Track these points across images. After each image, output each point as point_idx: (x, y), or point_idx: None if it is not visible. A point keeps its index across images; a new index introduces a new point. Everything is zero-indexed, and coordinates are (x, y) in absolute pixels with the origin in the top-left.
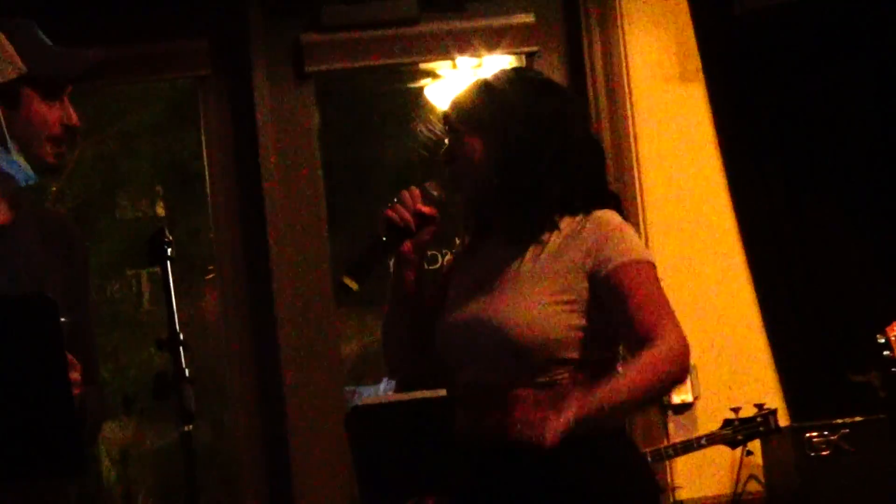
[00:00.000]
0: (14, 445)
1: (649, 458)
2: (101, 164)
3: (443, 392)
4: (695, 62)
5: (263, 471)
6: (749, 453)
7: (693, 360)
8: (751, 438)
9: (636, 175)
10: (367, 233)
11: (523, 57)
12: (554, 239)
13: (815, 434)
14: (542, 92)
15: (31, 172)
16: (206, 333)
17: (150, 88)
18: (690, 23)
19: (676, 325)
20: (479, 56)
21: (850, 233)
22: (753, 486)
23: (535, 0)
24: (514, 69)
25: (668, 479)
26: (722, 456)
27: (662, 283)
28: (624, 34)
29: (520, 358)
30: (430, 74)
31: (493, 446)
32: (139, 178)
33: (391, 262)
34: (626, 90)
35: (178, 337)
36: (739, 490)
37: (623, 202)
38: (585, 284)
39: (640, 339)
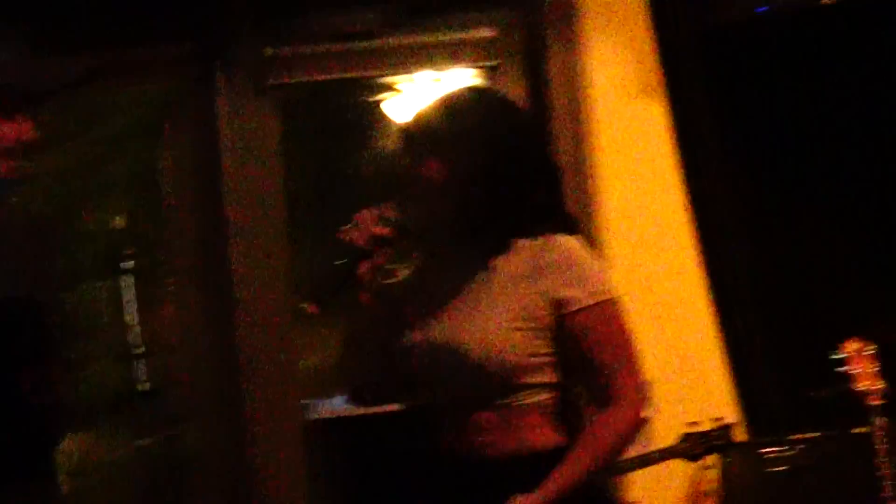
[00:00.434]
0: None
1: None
2: (65, 175)
3: (399, 406)
4: (656, 77)
5: (222, 483)
6: (707, 467)
7: (649, 376)
8: (709, 452)
9: (595, 190)
10: (325, 256)
11: (484, 71)
12: (512, 261)
13: (772, 450)
14: (502, 113)
15: None
16: (165, 346)
17: (114, 100)
18: (652, 38)
19: (637, 378)
20: (439, 70)
21: (808, 250)
22: (711, 501)
23: (496, 14)
24: (474, 88)
25: (626, 494)
26: (680, 470)
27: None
28: (585, 49)
29: (478, 380)
30: (391, 88)
31: (449, 465)
32: (102, 190)
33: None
34: (587, 105)
35: (137, 349)
36: None
37: (582, 217)
38: (549, 312)
39: (601, 390)
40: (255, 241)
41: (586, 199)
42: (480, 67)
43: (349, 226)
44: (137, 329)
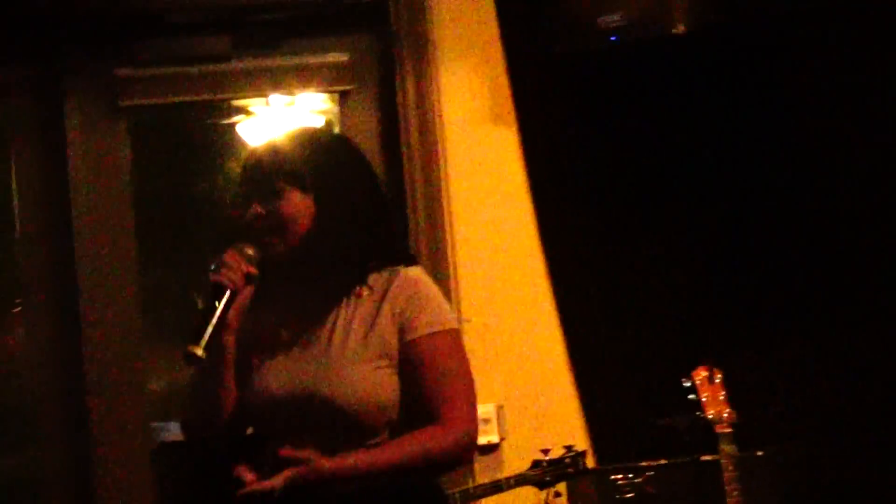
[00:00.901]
0: None
1: (458, 500)
2: None
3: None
4: (508, 104)
5: None
6: (557, 495)
7: (500, 401)
8: (560, 480)
9: (447, 217)
10: (195, 300)
11: (336, 96)
12: (365, 298)
13: (619, 476)
14: (350, 149)
15: None
16: (12, 367)
17: None
18: (505, 66)
19: (471, 408)
20: (292, 94)
21: (658, 280)
22: None
23: (349, 39)
24: (318, 126)
25: None
26: (529, 497)
27: (472, 325)
28: (438, 75)
29: (354, 427)
30: (244, 111)
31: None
32: None
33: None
34: (439, 130)
35: None
36: None
37: (434, 244)
38: (397, 345)
39: (430, 412)
40: (104, 264)
41: (438, 226)
42: (333, 92)
43: (216, 266)
44: None
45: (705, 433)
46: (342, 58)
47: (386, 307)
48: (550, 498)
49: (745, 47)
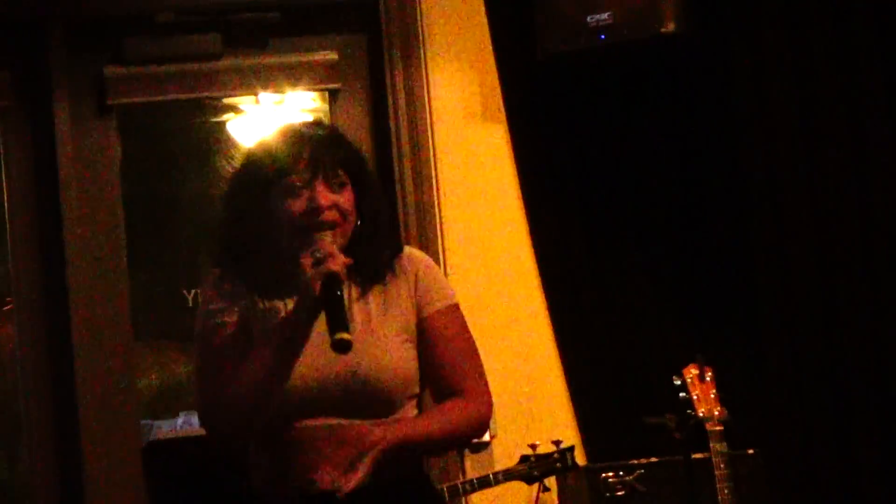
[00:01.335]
0: None
1: (446, 495)
2: None
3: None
4: (497, 102)
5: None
6: (546, 489)
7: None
8: (547, 475)
9: (437, 214)
10: (322, 290)
11: (326, 94)
12: (388, 280)
13: (610, 474)
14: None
15: None
16: (2, 365)
17: None
18: (494, 63)
19: (486, 383)
20: (281, 92)
21: (647, 276)
22: None
23: (339, 37)
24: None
25: None
26: (518, 492)
27: None
28: (427, 73)
29: (388, 402)
30: (233, 109)
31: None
32: None
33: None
34: (429, 129)
35: None
36: None
37: (425, 240)
38: (414, 321)
39: (451, 388)
40: (94, 262)
41: (428, 223)
42: (322, 90)
43: (320, 257)
44: None
45: (696, 431)
46: (332, 56)
47: (403, 286)
48: (539, 493)
49: (735, 47)
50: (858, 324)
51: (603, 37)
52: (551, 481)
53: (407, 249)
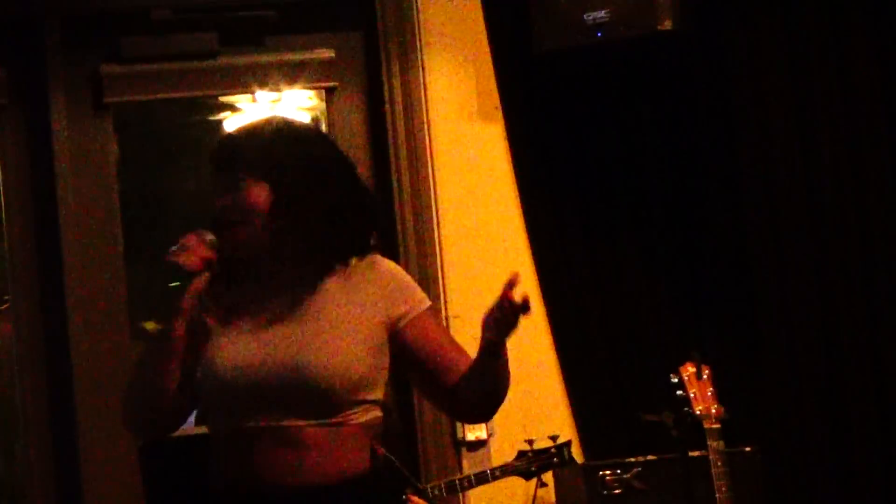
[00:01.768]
0: None
1: (444, 491)
2: None
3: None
4: (495, 101)
5: (55, 503)
6: (543, 485)
7: None
8: (545, 470)
9: (434, 213)
10: (161, 275)
11: (323, 92)
12: (342, 282)
13: (607, 472)
14: (313, 139)
15: None
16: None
17: None
18: (491, 61)
19: None
20: (278, 90)
21: (644, 274)
22: None
23: (336, 36)
24: (284, 119)
25: None
26: (516, 488)
27: (460, 321)
28: (424, 72)
29: (323, 400)
30: (230, 107)
31: (278, 490)
32: None
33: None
34: (426, 127)
35: None
36: None
37: (422, 238)
38: (383, 330)
39: (449, 380)
40: (91, 260)
41: (425, 222)
42: (319, 88)
43: (176, 248)
44: None
45: (693, 429)
46: (329, 54)
47: (370, 292)
48: (537, 488)
49: (732, 44)
50: (856, 320)
51: (600, 34)
52: (548, 477)
53: (378, 258)
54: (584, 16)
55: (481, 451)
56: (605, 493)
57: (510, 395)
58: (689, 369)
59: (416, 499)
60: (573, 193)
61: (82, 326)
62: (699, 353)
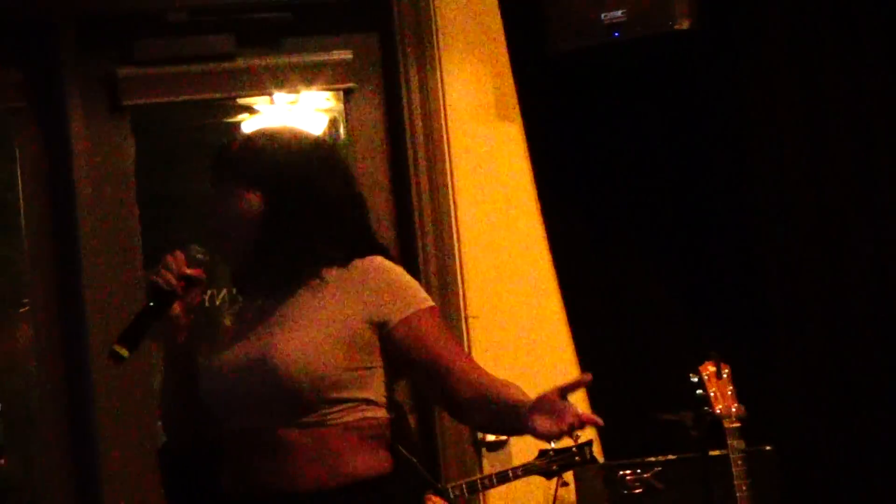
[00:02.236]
0: None
1: (465, 491)
2: None
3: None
4: (512, 101)
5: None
6: (564, 484)
7: None
8: (566, 469)
9: (452, 213)
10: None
11: (341, 93)
12: (324, 286)
13: (627, 472)
14: (305, 148)
15: None
16: (16, 367)
17: None
18: (508, 61)
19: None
20: (296, 92)
21: (663, 274)
22: None
23: (353, 37)
24: (283, 127)
25: None
26: (537, 487)
27: (479, 321)
28: (442, 72)
29: (291, 397)
30: (248, 109)
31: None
32: None
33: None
34: (444, 128)
35: None
36: None
37: (440, 238)
38: (368, 330)
39: (446, 366)
40: (109, 263)
41: (444, 223)
42: (337, 90)
43: (159, 267)
44: None
45: (713, 428)
46: (346, 55)
47: (353, 291)
48: (558, 487)
49: (748, 44)
50: (872, 319)
51: (617, 34)
52: (569, 477)
53: (377, 259)
54: (602, 15)
55: (502, 452)
56: (626, 492)
57: (529, 392)
58: (710, 368)
59: (436, 498)
60: (590, 193)
61: (100, 328)
62: (717, 352)
